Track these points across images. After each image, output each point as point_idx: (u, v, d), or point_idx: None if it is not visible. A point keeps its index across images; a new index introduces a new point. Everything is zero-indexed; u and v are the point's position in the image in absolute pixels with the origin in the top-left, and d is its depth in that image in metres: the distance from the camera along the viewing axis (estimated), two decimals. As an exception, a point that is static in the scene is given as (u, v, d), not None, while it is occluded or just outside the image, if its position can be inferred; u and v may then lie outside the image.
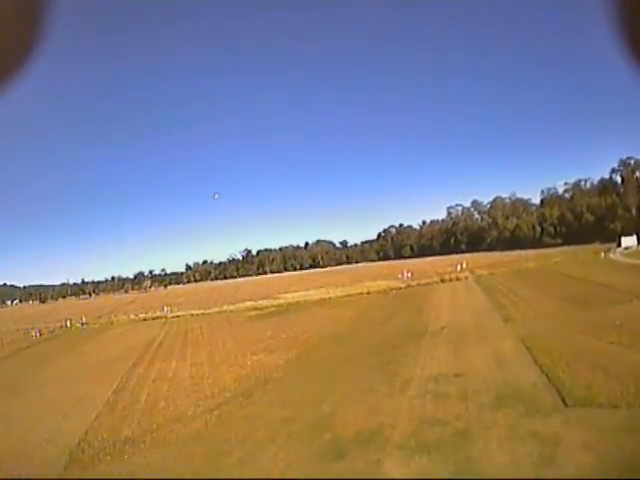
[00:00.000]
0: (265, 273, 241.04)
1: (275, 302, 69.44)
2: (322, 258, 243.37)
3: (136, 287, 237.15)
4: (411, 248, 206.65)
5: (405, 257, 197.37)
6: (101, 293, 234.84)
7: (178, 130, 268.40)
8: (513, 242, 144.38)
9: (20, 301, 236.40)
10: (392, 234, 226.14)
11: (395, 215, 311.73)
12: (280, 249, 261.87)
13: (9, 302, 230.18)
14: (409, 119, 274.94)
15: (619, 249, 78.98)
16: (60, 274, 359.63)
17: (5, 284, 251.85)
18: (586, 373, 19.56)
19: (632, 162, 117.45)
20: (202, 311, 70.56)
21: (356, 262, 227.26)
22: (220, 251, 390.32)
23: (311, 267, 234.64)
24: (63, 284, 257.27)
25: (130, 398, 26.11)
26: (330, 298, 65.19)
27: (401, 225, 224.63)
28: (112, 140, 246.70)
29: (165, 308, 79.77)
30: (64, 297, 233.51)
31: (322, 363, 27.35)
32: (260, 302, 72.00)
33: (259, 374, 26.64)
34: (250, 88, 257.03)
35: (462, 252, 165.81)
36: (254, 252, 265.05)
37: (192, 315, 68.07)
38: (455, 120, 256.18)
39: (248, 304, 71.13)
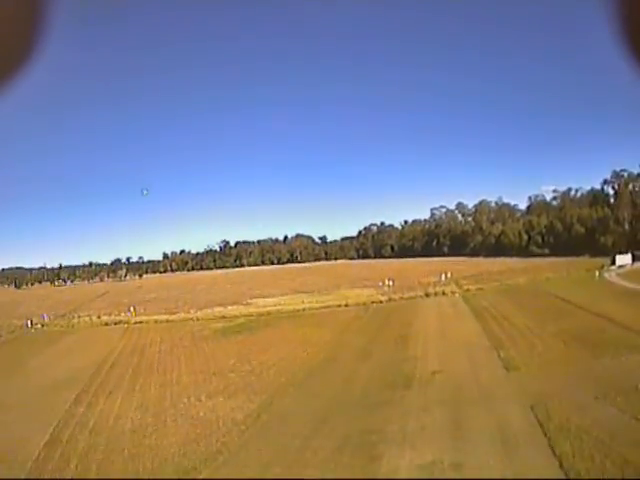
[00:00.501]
0: (242, 266, 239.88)
1: (245, 310, 63.97)
2: (300, 253, 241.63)
3: (112, 275, 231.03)
4: (392, 248, 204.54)
5: (385, 257, 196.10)
6: (77, 280, 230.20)
7: (161, 120, 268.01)
8: (498, 248, 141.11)
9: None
10: (373, 232, 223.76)
11: (377, 213, 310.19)
12: (258, 242, 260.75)
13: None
14: (396, 117, 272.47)
15: (613, 267, 75.27)
16: (40, 257, 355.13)
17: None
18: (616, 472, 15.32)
19: (626, 175, 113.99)
20: (167, 317, 65.03)
21: (335, 259, 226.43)
22: (198, 241, 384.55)
23: (289, 262, 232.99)
24: (41, 268, 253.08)
25: (59, 461, 21.03)
26: (305, 309, 60.03)
27: (382, 224, 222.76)
28: (95, 129, 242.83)
29: (131, 309, 74.74)
30: (40, 282, 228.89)
31: (288, 425, 22.36)
32: (230, 309, 66.70)
33: (209, 438, 21.62)
34: (234, 79, 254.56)
35: (444, 255, 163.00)
36: (232, 244, 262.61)
37: (156, 322, 62.58)
38: (442, 120, 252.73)
39: (217, 310, 65.83)
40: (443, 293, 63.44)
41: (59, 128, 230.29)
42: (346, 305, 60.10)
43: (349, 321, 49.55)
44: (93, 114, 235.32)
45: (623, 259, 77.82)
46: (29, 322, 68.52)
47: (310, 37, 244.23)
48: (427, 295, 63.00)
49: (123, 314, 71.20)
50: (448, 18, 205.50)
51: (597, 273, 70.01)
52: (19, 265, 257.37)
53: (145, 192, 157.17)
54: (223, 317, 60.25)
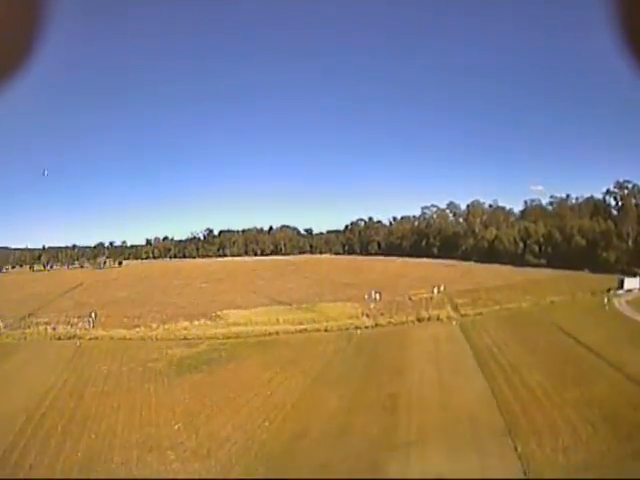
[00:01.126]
0: (225, 255, 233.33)
1: (212, 329, 56.01)
2: (285, 245, 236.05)
3: (92, 262, 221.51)
4: (379, 245, 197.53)
5: (372, 254, 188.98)
6: (57, 265, 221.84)
7: (150, 108, 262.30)
8: (490, 254, 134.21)
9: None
10: (360, 227, 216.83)
11: (365, 207, 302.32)
12: (243, 231, 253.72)
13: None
14: (388, 111, 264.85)
15: (621, 291, 68.60)
16: (26, 237, 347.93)
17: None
18: None
19: (630, 186, 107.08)
20: (126, 333, 57.35)
21: (320, 252, 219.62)
22: (182, 228, 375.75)
23: (273, 253, 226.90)
24: (24, 249, 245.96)
25: None
26: (278, 333, 52.38)
27: (370, 219, 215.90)
28: (84, 117, 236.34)
29: (92, 316, 67.12)
30: (21, 266, 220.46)
31: None
32: (196, 324, 58.91)
33: None
34: (221, 69, 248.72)
35: (434, 257, 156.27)
36: (216, 232, 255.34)
37: (111, 339, 55.09)
38: (434, 116, 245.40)
39: (182, 327, 58.11)
40: (438, 318, 56.23)
41: (56, 120, 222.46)
42: (326, 330, 52.58)
43: (328, 358, 41.89)
44: (84, 104, 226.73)
45: (631, 283, 71.13)
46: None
47: (306, 32, 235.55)
48: (419, 320, 55.75)
49: (82, 324, 63.50)
50: (443, 16, 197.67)
51: (606, 299, 63.26)
52: (4, 245, 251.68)
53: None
54: (185, 339, 52.57)
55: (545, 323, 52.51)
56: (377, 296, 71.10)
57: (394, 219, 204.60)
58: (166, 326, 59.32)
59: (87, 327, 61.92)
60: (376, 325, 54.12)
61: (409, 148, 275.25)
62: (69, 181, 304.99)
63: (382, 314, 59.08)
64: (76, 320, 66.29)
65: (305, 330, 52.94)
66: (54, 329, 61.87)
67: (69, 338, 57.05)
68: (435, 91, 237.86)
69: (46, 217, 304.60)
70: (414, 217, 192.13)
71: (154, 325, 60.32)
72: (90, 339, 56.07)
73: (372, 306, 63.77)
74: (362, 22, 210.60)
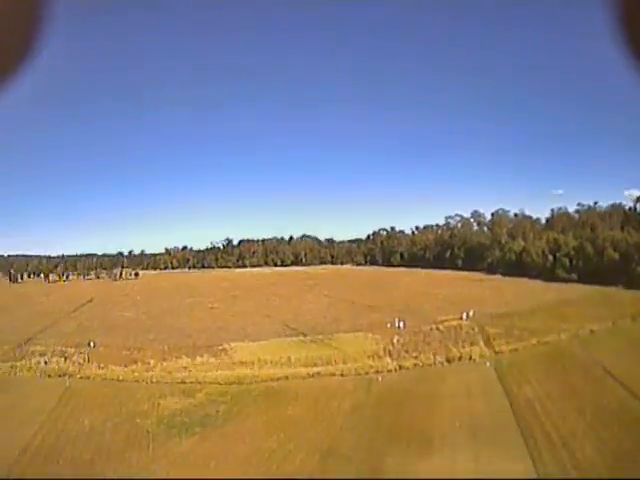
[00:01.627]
0: (245, 266, 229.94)
1: (214, 370, 49.59)
2: (305, 255, 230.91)
3: (108, 271, 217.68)
4: (401, 255, 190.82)
5: (394, 265, 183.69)
6: (73, 275, 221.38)
7: (169, 115, 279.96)
8: (518, 266, 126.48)
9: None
10: (382, 237, 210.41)
11: (387, 215, 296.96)
12: (263, 241, 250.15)
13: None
14: (411, 119, 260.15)
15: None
16: (47, 244, 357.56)
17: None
18: None
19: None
20: (120, 372, 51.65)
21: (341, 263, 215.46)
22: (202, 238, 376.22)
23: (293, 264, 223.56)
24: (43, 257, 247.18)
25: None
26: (288, 378, 45.92)
27: (392, 229, 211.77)
28: (103, 122, 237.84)
29: (90, 346, 62.23)
30: (38, 275, 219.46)
31: None
32: (198, 362, 53.12)
33: None
34: (241, 75, 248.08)
35: (458, 268, 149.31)
36: (235, 242, 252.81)
37: (103, 380, 49.70)
38: (458, 125, 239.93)
39: (181, 365, 52.31)
40: (470, 358, 49.45)
41: (75, 125, 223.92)
42: (342, 375, 46.07)
43: (342, 421, 35.35)
44: (100, 108, 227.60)
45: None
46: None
47: (327, 39, 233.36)
48: (449, 361, 48.91)
49: (77, 356, 58.61)
50: (473, 26, 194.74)
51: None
52: (23, 252, 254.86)
53: None
54: (183, 382, 46.70)
55: (589, 364, 45.66)
56: (401, 324, 64.71)
57: (417, 228, 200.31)
58: (165, 364, 53.50)
59: (81, 361, 56.96)
60: (400, 368, 47.38)
61: (432, 156, 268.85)
62: (89, 189, 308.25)
63: (407, 351, 52.33)
64: (72, 351, 61.63)
65: (319, 374, 46.52)
66: (46, 363, 57.00)
67: (60, 376, 52.25)
68: (458, 100, 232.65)
69: (66, 225, 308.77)
70: (437, 226, 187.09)
71: (152, 362, 54.52)
72: (81, 378, 51.11)
73: (395, 340, 57.01)
74: (392, 28, 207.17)
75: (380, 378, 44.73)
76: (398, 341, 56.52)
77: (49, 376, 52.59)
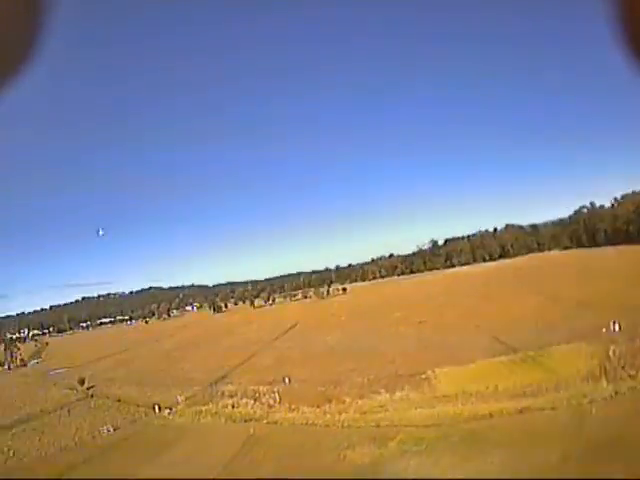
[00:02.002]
0: (453, 266, 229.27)
1: (410, 412, 42.67)
2: (512, 246, 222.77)
3: (315, 290, 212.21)
4: (605, 232, 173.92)
5: (599, 244, 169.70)
6: (279, 297, 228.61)
7: None
8: None
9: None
10: (583, 216, 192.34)
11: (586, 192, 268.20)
12: (468, 237, 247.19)
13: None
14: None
15: None
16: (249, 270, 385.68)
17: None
18: None
19: None
20: (310, 414, 46.47)
21: (548, 249, 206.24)
22: (407, 242, 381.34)
23: (500, 257, 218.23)
24: (249, 282, 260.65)
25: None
26: (491, 416, 35.09)
27: (592, 204, 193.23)
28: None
29: (286, 381, 60.44)
30: (244, 302, 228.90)
31: None
32: (396, 398, 46.71)
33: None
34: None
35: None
36: (441, 242, 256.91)
37: (291, 425, 44.51)
38: None
39: (377, 403, 45.61)
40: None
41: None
42: (552, 408, 36.05)
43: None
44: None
45: None
46: (157, 407, 58.16)
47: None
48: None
49: (268, 396, 55.33)
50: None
51: None
52: (230, 280, 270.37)
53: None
54: (378, 426, 39.67)
55: None
56: (616, 327, 53.27)
57: (615, 199, 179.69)
58: (360, 402, 49.36)
59: (272, 402, 55.48)
60: (616, 394, 38.00)
61: None
62: (288, 207, 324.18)
63: (623, 367, 42.17)
64: (265, 389, 57.99)
65: (527, 409, 39.25)
66: (233, 407, 56.58)
67: (245, 421, 48.97)
68: None
69: (268, 246, 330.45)
70: (633, 192, 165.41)
71: (347, 400, 50.07)
72: (268, 423, 48.00)
73: (611, 351, 46.60)
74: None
75: (594, 410, 36.36)
76: (614, 353, 46.08)
77: (234, 421, 50.30)
